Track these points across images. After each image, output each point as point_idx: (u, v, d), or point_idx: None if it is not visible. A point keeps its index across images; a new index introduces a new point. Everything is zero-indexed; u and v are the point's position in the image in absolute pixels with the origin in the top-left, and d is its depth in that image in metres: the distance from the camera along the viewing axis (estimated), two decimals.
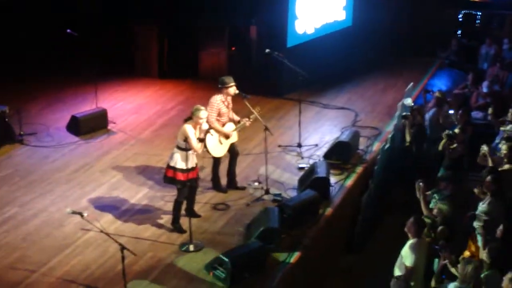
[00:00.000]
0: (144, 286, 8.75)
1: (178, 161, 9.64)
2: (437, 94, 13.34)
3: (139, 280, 8.84)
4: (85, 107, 13.90)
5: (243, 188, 11.17)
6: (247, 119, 10.87)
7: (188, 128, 9.55)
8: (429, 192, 10.19)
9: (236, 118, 10.90)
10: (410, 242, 8.53)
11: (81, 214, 8.08)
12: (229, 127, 10.77)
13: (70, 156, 12.40)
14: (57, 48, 15.65)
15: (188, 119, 9.71)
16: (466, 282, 7.84)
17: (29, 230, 10.00)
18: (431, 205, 10.04)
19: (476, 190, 9.94)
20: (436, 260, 8.96)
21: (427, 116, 13.18)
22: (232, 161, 11.11)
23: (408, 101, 13.39)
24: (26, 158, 12.29)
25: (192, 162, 9.68)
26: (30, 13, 16.01)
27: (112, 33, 16.45)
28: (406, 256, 8.41)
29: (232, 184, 11.17)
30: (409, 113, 12.89)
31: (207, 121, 10.39)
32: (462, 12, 18.86)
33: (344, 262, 11.09)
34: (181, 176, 9.67)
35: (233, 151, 11.03)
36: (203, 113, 9.65)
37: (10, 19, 15.73)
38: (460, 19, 18.91)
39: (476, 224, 9.39)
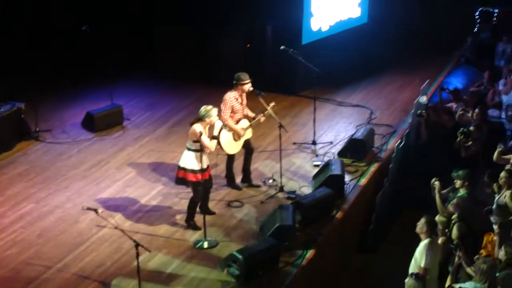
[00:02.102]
0: (158, 283, 8.77)
1: (189, 162, 9.62)
2: None
3: (153, 277, 8.87)
4: (100, 103, 13.93)
5: (258, 186, 11.16)
6: (261, 114, 10.85)
7: (199, 128, 9.51)
8: (444, 191, 10.15)
9: (251, 114, 10.87)
10: (423, 242, 8.47)
11: (96, 211, 8.12)
12: (243, 124, 10.75)
13: (85, 152, 12.45)
14: (73, 45, 15.68)
15: (195, 121, 9.68)
16: (481, 281, 7.80)
17: (44, 226, 10.07)
18: (446, 204, 9.99)
19: (494, 187, 9.87)
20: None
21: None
22: (247, 157, 11.10)
23: (423, 99, 13.33)
24: (42, 154, 12.35)
25: (204, 163, 9.63)
26: (46, 9, 16.04)
27: (129, 30, 16.47)
28: (421, 256, 8.37)
29: (247, 180, 11.17)
30: (424, 111, 12.83)
31: (221, 119, 10.39)
32: (479, 9, 18.72)
33: (358, 261, 11.06)
34: (192, 177, 9.66)
35: (248, 148, 11.02)
36: (214, 111, 9.63)
37: (26, 15, 15.77)
38: (476, 16, 18.77)
39: (493, 219, 9.35)
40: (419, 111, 12.84)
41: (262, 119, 10.89)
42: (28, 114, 12.90)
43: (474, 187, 10.31)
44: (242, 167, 11.16)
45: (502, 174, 9.58)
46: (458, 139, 11.98)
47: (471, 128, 12.11)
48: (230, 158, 10.96)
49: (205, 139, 9.45)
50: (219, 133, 10.11)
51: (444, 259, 8.98)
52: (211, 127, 9.71)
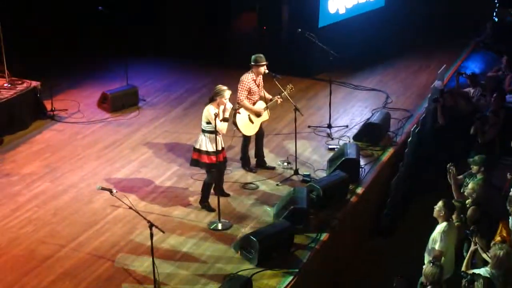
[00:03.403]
0: (172, 263, 8.79)
1: (203, 144, 9.61)
2: None
3: (167, 257, 8.89)
4: (115, 84, 13.92)
5: (273, 168, 11.14)
6: (278, 96, 10.81)
7: (211, 109, 9.47)
8: (460, 176, 10.09)
9: (268, 96, 10.83)
10: (439, 226, 8.45)
11: (110, 191, 8.12)
12: (260, 106, 10.71)
13: (100, 133, 12.46)
14: (88, 24, 15.66)
15: (210, 101, 9.65)
16: (497, 268, 7.76)
17: (59, 205, 10.10)
18: (462, 189, 9.94)
19: (508, 175, 9.81)
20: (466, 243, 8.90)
21: None
22: (258, 141, 11.07)
23: (439, 84, 13.23)
24: (57, 134, 12.37)
25: (219, 144, 9.61)
26: None
27: (145, 11, 16.41)
28: (436, 240, 8.34)
29: (260, 164, 11.14)
30: (439, 96, 12.74)
31: (237, 99, 10.36)
32: None
33: (373, 244, 11.03)
34: (206, 159, 9.64)
35: (259, 131, 10.97)
36: (228, 93, 9.58)
37: None
38: (496, 0, 18.55)
39: (508, 206, 9.29)
40: (434, 97, 12.75)
41: (279, 101, 10.85)
42: (44, 93, 12.91)
43: (490, 172, 10.24)
44: (255, 153, 11.13)
45: None
46: (475, 124, 11.90)
47: (488, 113, 12.01)
48: (246, 140, 10.94)
49: (217, 121, 9.41)
50: (233, 115, 10.08)
51: (460, 244, 8.94)
52: (225, 109, 9.67)
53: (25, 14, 15.10)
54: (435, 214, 8.48)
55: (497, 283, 7.70)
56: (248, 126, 10.66)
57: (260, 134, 11.04)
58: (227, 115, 9.71)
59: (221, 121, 9.51)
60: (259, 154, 11.16)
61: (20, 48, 13.80)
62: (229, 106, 9.75)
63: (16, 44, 13.50)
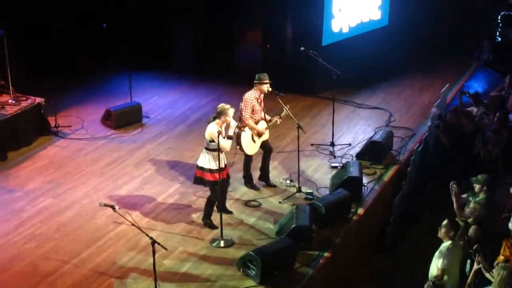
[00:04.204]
0: (174, 280, 8.78)
1: (206, 162, 9.62)
2: None
3: (169, 274, 8.88)
4: (119, 100, 13.98)
5: (275, 186, 11.15)
6: (278, 117, 10.86)
7: (214, 128, 9.49)
8: (464, 195, 10.09)
9: (267, 117, 10.88)
10: (444, 244, 8.44)
11: (113, 207, 8.12)
12: (262, 125, 10.75)
13: (104, 149, 12.49)
14: (93, 41, 15.74)
15: (213, 119, 9.69)
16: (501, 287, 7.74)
17: (62, 221, 10.12)
18: (464, 208, 9.93)
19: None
20: (469, 261, 8.86)
21: None
22: (265, 157, 11.09)
23: (434, 110, 13.32)
24: (61, 150, 12.41)
25: (222, 162, 9.62)
26: (66, 6, 16.08)
27: (148, 28, 16.50)
28: (439, 258, 8.33)
29: (265, 180, 11.16)
30: (439, 122, 12.78)
31: (242, 118, 10.39)
32: (501, 13, 18.55)
33: (376, 262, 11.01)
34: (210, 177, 9.66)
35: (266, 148, 11.02)
36: (231, 111, 9.62)
37: (46, 13, 15.81)
38: (498, 20, 18.61)
39: (511, 225, 9.29)
40: (436, 123, 12.78)
41: (279, 121, 10.90)
42: (48, 109, 12.97)
43: (493, 191, 10.23)
44: (261, 166, 11.16)
45: None
46: (477, 144, 11.91)
47: (489, 133, 12.03)
48: (248, 158, 10.96)
49: (220, 139, 9.43)
50: (236, 133, 10.12)
51: (463, 263, 8.92)
52: (227, 126, 9.70)
53: (28, 31, 15.16)
54: (440, 232, 8.45)
55: None
56: (250, 145, 10.69)
57: (268, 150, 11.08)
58: (230, 132, 9.74)
59: (224, 138, 9.53)
60: (264, 169, 11.18)
61: (25, 66, 13.87)
62: (233, 123, 9.78)
63: (20, 60, 13.56)
